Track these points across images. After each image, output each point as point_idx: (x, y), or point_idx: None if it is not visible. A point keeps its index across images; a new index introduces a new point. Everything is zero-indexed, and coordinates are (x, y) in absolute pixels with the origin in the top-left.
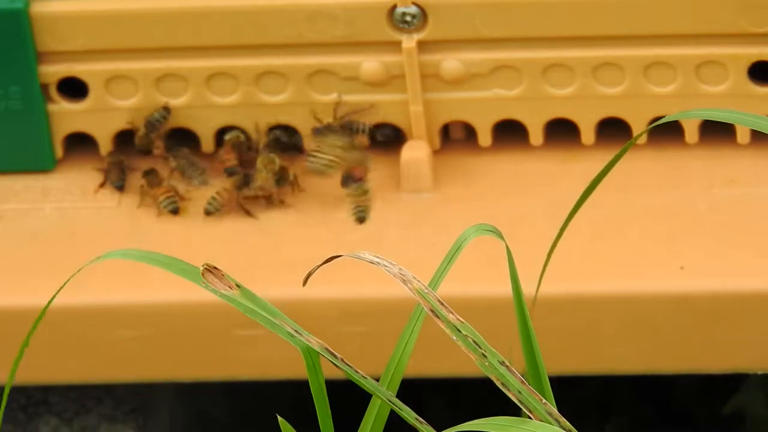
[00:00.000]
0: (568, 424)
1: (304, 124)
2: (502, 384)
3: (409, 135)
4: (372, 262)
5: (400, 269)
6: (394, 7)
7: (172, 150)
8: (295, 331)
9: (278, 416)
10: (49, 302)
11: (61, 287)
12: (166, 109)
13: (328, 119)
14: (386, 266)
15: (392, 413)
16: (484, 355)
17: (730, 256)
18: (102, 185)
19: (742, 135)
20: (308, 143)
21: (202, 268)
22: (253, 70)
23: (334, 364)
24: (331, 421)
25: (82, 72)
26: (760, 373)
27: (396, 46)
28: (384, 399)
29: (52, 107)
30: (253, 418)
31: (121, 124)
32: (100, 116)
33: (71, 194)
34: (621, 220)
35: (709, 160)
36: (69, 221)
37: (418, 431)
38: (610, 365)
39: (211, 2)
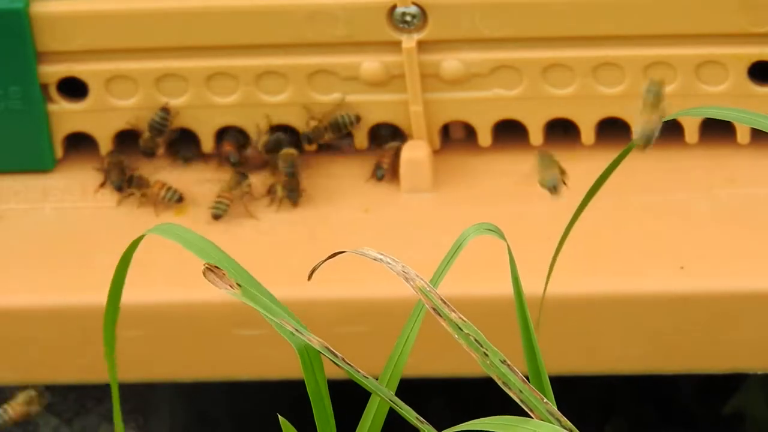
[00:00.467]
0: (569, 423)
1: (304, 124)
2: (504, 383)
3: (409, 135)
4: (375, 259)
5: (403, 266)
6: (394, 7)
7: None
8: (297, 329)
9: (279, 416)
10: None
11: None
12: (165, 110)
13: (314, 123)
14: (389, 263)
15: (392, 413)
16: (486, 354)
17: (730, 256)
18: (102, 185)
19: (742, 135)
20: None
21: (203, 267)
22: (253, 70)
23: (334, 363)
24: (333, 420)
25: (82, 72)
26: (760, 373)
27: (396, 46)
28: (384, 398)
29: (52, 107)
30: (253, 418)
31: (121, 124)
32: (100, 116)
33: (71, 194)
34: (621, 220)
35: (709, 160)
36: (69, 221)
37: (418, 431)
38: (610, 365)
39: (211, 2)
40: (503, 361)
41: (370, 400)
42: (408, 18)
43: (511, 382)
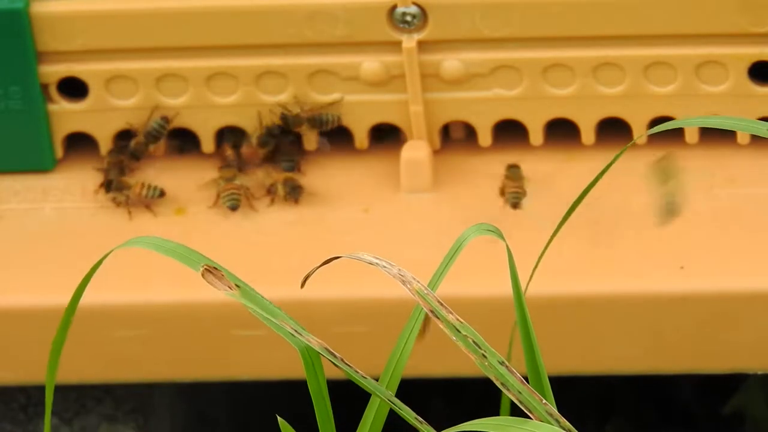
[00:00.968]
0: (568, 424)
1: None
2: (502, 384)
3: (409, 135)
4: (371, 263)
5: (399, 270)
6: (394, 7)
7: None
8: (296, 330)
9: (278, 416)
10: (76, 294)
11: (88, 275)
12: (165, 119)
13: (297, 110)
14: (385, 267)
15: (392, 413)
16: (484, 356)
17: (730, 256)
18: (102, 185)
19: (742, 135)
20: (309, 144)
21: (201, 269)
22: (253, 70)
23: (334, 363)
24: (332, 421)
25: (82, 72)
26: (760, 373)
27: (396, 46)
28: (384, 399)
29: (52, 107)
30: (253, 418)
31: (121, 124)
32: (100, 116)
33: (71, 194)
34: (621, 220)
35: (709, 160)
36: (69, 221)
37: (417, 431)
38: (610, 365)
39: (211, 2)
40: (501, 362)
41: (370, 400)
42: (408, 18)
43: (510, 383)
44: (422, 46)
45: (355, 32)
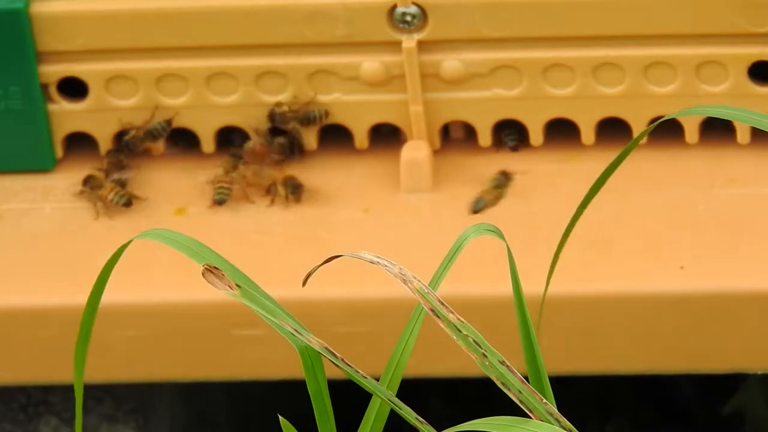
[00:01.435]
0: (568, 423)
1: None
2: (503, 384)
3: (409, 135)
4: (372, 262)
5: (400, 269)
6: (394, 7)
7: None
8: (296, 330)
9: (279, 416)
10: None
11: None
12: (168, 122)
13: (284, 107)
14: (386, 266)
15: (392, 413)
16: (485, 355)
17: (730, 256)
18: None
19: (743, 135)
20: (309, 143)
21: (202, 268)
22: (253, 70)
23: (334, 363)
24: (333, 421)
25: (82, 72)
26: (760, 373)
27: (396, 46)
28: (384, 399)
29: (52, 107)
30: (253, 418)
31: (121, 123)
32: (100, 116)
33: (71, 194)
34: (621, 220)
35: (709, 160)
36: (69, 221)
37: (418, 431)
38: (610, 365)
39: (211, 2)
40: (502, 362)
41: (371, 400)
42: (408, 18)
43: (510, 383)
44: (422, 46)
45: (355, 32)
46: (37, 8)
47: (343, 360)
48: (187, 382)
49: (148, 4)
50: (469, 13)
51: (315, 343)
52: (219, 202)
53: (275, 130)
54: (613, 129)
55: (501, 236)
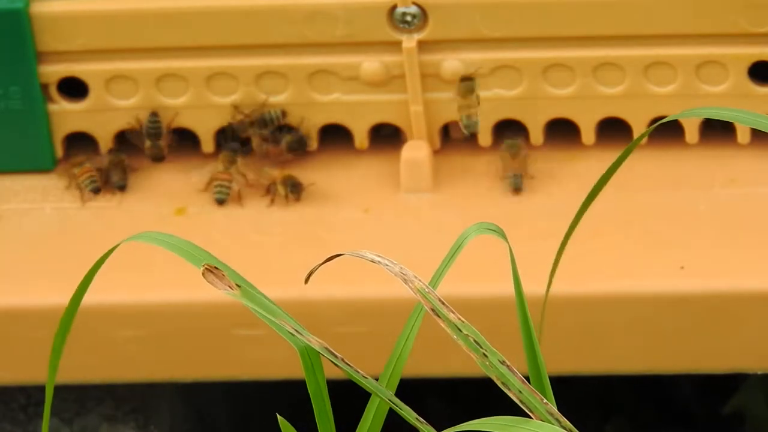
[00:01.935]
0: (568, 423)
1: (305, 124)
2: (503, 383)
3: (409, 135)
4: (373, 261)
5: (401, 268)
6: (394, 7)
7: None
8: (296, 330)
9: (278, 416)
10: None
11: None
12: (155, 114)
13: (240, 117)
14: (387, 265)
15: (392, 413)
16: (485, 355)
17: (730, 256)
18: (102, 185)
19: (743, 135)
20: (310, 143)
21: (202, 269)
22: (253, 70)
23: (334, 363)
24: (332, 421)
25: (82, 72)
26: (760, 373)
27: (396, 46)
28: (384, 398)
29: (52, 107)
30: (253, 418)
31: (121, 124)
32: (100, 116)
33: (71, 194)
34: (621, 220)
35: (709, 160)
36: (69, 221)
37: (418, 431)
38: (610, 365)
39: (211, 2)
40: (502, 362)
41: (370, 400)
42: (408, 18)
43: (511, 383)
44: (422, 46)
45: (355, 32)
46: (37, 8)
47: (343, 360)
48: (187, 382)
49: (148, 4)
50: (469, 13)
51: (315, 343)
52: (219, 202)
53: (282, 129)
54: (613, 129)
55: (502, 236)
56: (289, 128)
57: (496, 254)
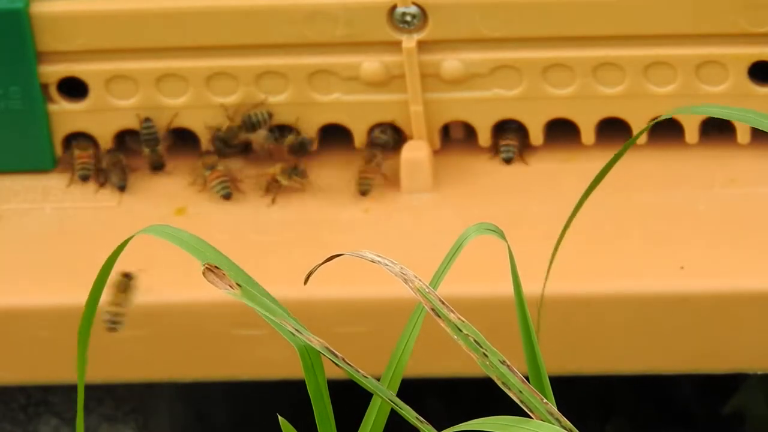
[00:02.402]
0: (568, 423)
1: (305, 124)
2: (503, 383)
3: (409, 135)
4: (373, 261)
5: (401, 268)
6: (394, 7)
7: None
8: (296, 329)
9: (279, 416)
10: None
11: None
12: (148, 120)
13: (226, 122)
14: (387, 265)
15: (392, 413)
16: (485, 355)
17: (730, 256)
18: (102, 185)
19: (743, 135)
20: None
21: (202, 268)
22: (253, 70)
23: (335, 363)
24: (333, 421)
25: (82, 72)
26: (760, 373)
27: (396, 46)
28: (385, 398)
29: (52, 107)
30: (253, 418)
31: (121, 124)
32: (100, 116)
33: (71, 194)
34: (621, 220)
35: (709, 160)
36: (69, 221)
37: (418, 431)
38: (610, 365)
39: (211, 2)
40: (503, 362)
41: (371, 400)
42: (408, 18)
43: (511, 383)
44: (422, 46)
45: (355, 32)
46: (37, 8)
47: (343, 359)
48: (187, 382)
49: (148, 4)
50: (469, 13)
51: (315, 342)
52: (226, 197)
53: (282, 129)
54: (613, 129)
55: (502, 236)
56: (289, 129)
57: (496, 254)
